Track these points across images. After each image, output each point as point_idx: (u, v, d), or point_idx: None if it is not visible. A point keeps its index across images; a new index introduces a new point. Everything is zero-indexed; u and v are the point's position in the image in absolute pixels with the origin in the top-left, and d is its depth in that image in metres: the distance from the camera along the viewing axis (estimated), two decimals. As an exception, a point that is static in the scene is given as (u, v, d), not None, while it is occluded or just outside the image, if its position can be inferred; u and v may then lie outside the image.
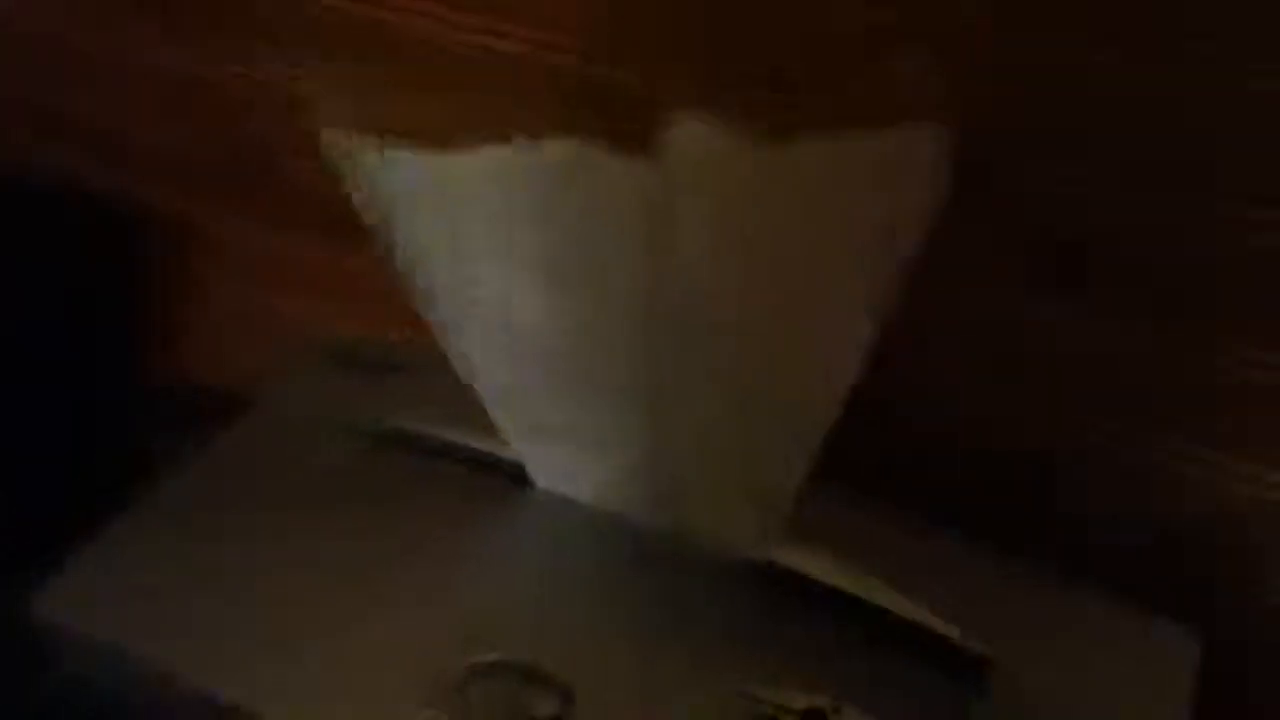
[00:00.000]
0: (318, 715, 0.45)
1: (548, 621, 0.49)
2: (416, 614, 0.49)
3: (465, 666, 0.46)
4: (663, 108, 0.59)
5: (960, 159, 0.39)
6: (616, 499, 0.53)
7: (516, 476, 0.54)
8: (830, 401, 0.45)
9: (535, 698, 0.45)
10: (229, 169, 0.76)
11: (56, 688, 0.52)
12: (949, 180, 0.39)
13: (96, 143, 0.81)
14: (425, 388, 0.56)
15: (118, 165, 0.81)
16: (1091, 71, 0.49)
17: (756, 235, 0.43)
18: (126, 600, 0.50)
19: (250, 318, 0.82)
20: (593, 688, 0.45)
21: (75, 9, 0.76)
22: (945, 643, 0.48)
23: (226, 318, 0.83)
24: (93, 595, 0.50)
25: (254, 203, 0.76)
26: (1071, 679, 0.47)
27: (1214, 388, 0.53)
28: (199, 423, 0.60)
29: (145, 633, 0.48)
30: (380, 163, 0.45)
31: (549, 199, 0.45)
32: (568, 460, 0.53)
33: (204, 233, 0.80)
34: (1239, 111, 0.48)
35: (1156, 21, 0.47)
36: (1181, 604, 0.50)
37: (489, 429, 0.53)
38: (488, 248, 0.47)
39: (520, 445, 0.53)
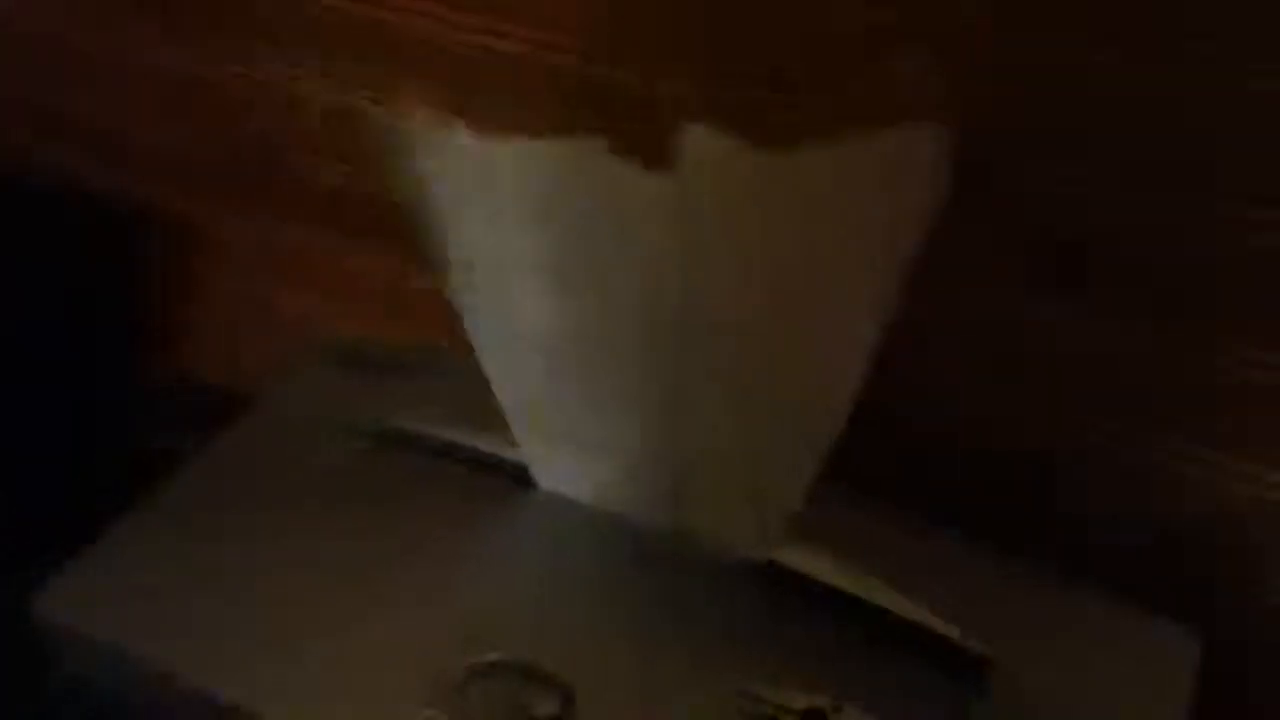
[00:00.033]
0: (318, 715, 0.46)
1: (548, 621, 0.49)
2: (417, 614, 0.49)
3: (466, 666, 0.46)
4: (663, 108, 0.59)
5: (960, 159, 0.39)
6: (618, 499, 0.53)
7: (518, 477, 0.54)
8: (835, 406, 0.45)
9: (535, 697, 0.45)
10: (229, 169, 0.76)
11: (57, 687, 0.52)
12: (949, 180, 0.39)
13: (96, 142, 0.81)
14: (427, 388, 0.57)
15: (118, 165, 0.81)
16: (1091, 71, 0.49)
17: (761, 240, 0.43)
18: (127, 600, 0.50)
19: (250, 317, 0.82)
20: (593, 687, 0.45)
21: (75, 9, 0.76)
22: (945, 643, 0.48)
23: (226, 317, 0.83)
24: (94, 595, 0.50)
25: (254, 202, 0.76)
26: (1071, 679, 0.47)
27: (1214, 388, 0.53)
28: (199, 422, 0.60)
29: (146, 633, 0.48)
30: (431, 145, 0.45)
31: (557, 200, 0.45)
32: (571, 460, 0.53)
33: (204, 232, 0.80)
34: (1239, 111, 0.48)
35: (1156, 21, 0.47)
36: (1181, 604, 0.50)
37: (490, 429, 0.53)
38: (499, 245, 0.47)
39: (525, 444, 0.53)
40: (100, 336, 0.87)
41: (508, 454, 0.54)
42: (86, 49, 0.77)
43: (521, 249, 0.46)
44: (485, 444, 0.54)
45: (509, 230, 0.46)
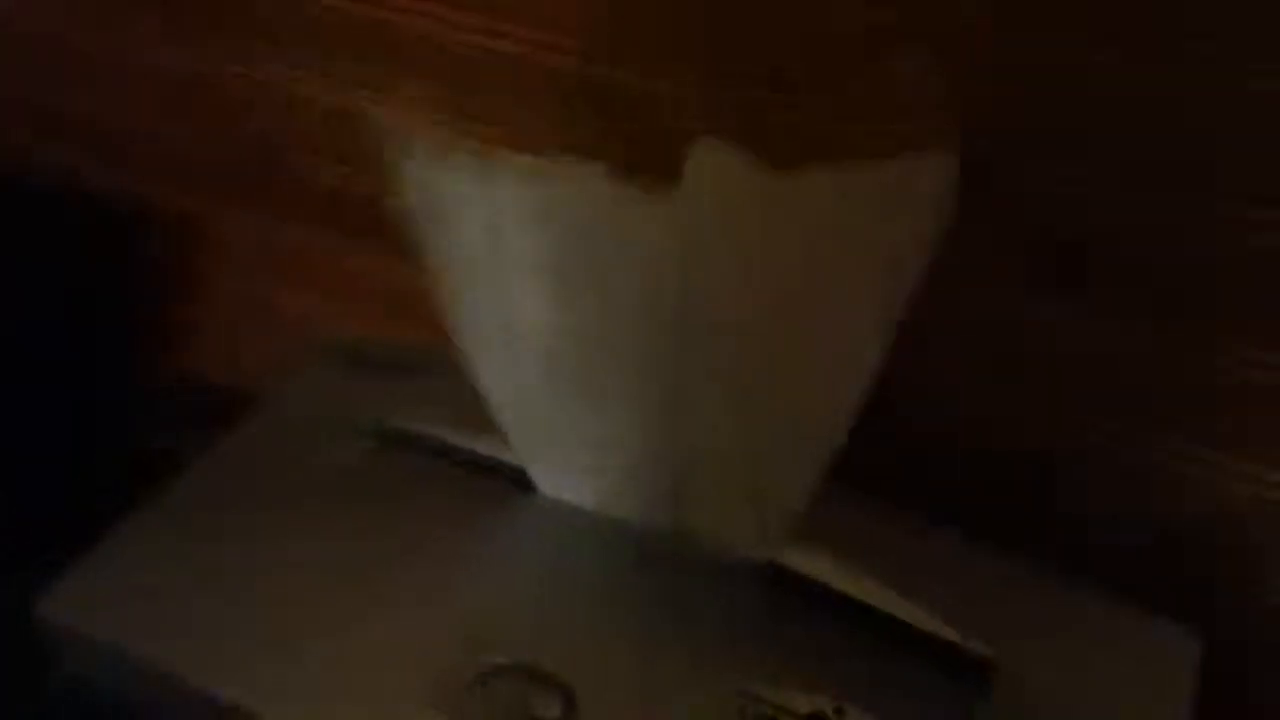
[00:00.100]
0: (319, 716, 0.46)
1: (549, 623, 0.49)
2: (418, 616, 0.49)
3: (467, 668, 0.46)
4: (663, 108, 0.59)
5: (960, 159, 0.39)
6: (618, 500, 0.53)
7: (519, 479, 0.54)
8: (836, 415, 0.46)
9: (537, 700, 0.45)
10: (229, 168, 0.76)
11: (58, 687, 0.52)
12: (953, 203, 0.39)
13: (96, 142, 0.81)
14: (429, 389, 0.57)
15: (118, 164, 0.81)
16: (1091, 71, 0.49)
17: (767, 259, 0.43)
18: (129, 601, 0.50)
19: (250, 316, 0.82)
20: (595, 690, 0.45)
21: (75, 9, 0.76)
22: (946, 644, 0.48)
23: (226, 317, 0.83)
24: (95, 596, 0.50)
25: (254, 202, 0.76)
26: (1072, 679, 0.48)
27: (1214, 388, 0.53)
28: (200, 422, 0.60)
29: (147, 633, 0.48)
30: (434, 165, 0.46)
31: (557, 203, 0.45)
32: (570, 462, 0.53)
33: (204, 232, 0.80)
34: (1239, 111, 0.48)
35: (1156, 21, 0.47)
36: (1181, 604, 0.50)
37: (493, 431, 0.53)
38: (498, 248, 0.47)
39: (522, 448, 0.53)
40: (100, 336, 0.87)
41: (508, 456, 0.54)
42: (86, 49, 0.77)
43: (521, 251, 0.46)
44: (486, 445, 0.54)
45: (508, 232, 0.46)
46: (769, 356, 0.46)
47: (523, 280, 0.47)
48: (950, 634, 0.48)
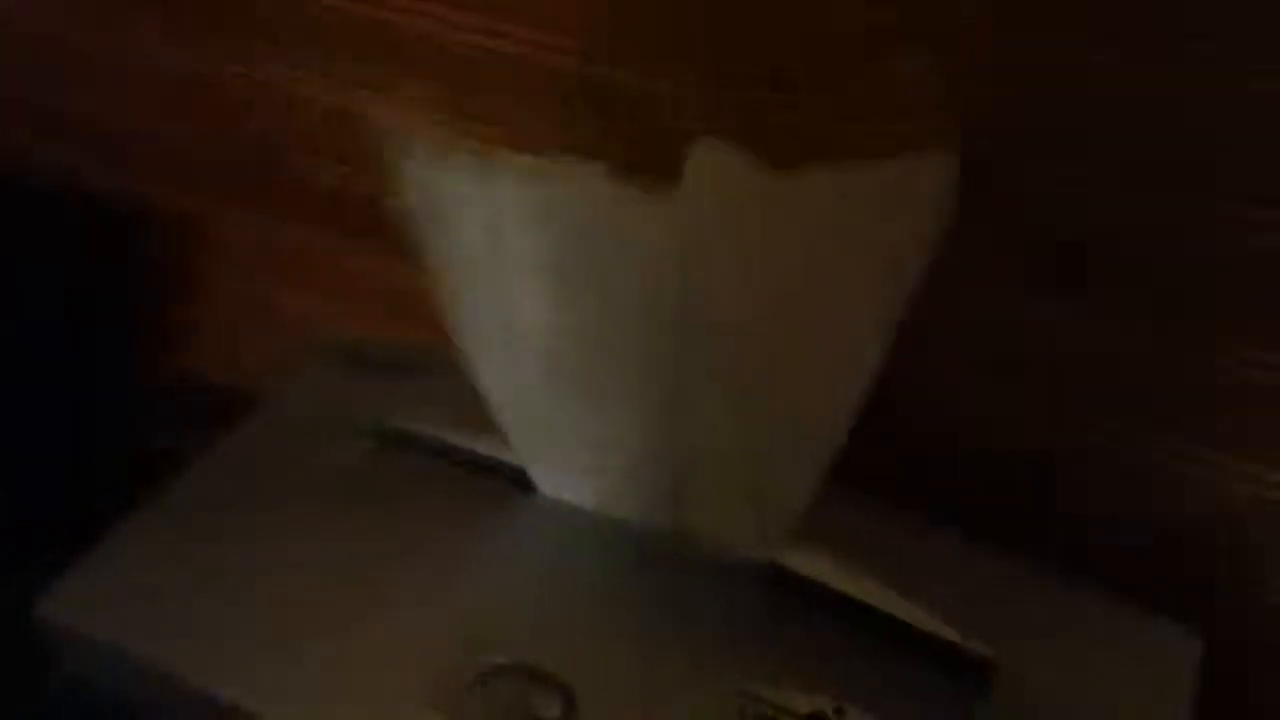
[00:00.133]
0: (319, 717, 0.46)
1: (550, 623, 0.49)
2: (418, 616, 0.49)
3: (468, 669, 0.46)
4: (663, 108, 0.59)
5: (960, 159, 0.39)
6: (618, 500, 0.53)
7: (519, 479, 0.54)
8: (836, 416, 0.46)
9: (537, 700, 0.45)
10: (229, 168, 0.76)
11: (58, 687, 0.52)
12: (953, 203, 0.39)
13: (97, 142, 0.81)
14: (429, 389, 0.57)
15: (118, 164, 0.81)
16: (1091, 71, 0.49)
17: (767, 259, 0.43)
18: (129, 601, 0.50)
19: (250, 316, 0.82)
20: (595, 690, 0.45)
21: (75, 9, 0.76)
22: (946, 644, 0.48)
23: (226, 317, 0.83)
24: (95, 596, 0.50)
25: (254, 202, 0.76)
26: (1072, 679, 0.47)
27: (1214, 388, 0.53)
28: (200, 422, 0.60)
29: (147, 633, 0.48)
30: (434, 165, 0.46)
31: (557, 203, 0.45)
32: (570, 462, 0.53)
33: (204, 232, 0.80)
34: (1239, 111, 0.48)
35: (1156, 21, 0.47)
36: (1181, 604, 0.50)
37: (493, 431, 0.53)
38: (498, 248, 0.47)
39: (522, 448, 0.53)
40: (100, 336, 0.87)
41: (508, 456, 0.54)
42: (86, 49, 0.77)
43: (521, 251, 0.46)
44: (486, 445, 0.54)
45: (508, 232, 0.46)
46: (769, 357, 0.46)
47: (523, 280, 0.47)
48: (950, 634, 0.48)
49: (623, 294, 0.46)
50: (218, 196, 0.78)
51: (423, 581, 0.50)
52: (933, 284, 0.42)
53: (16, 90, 0.82)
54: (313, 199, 0.73)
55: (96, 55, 0.77)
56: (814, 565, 0.50)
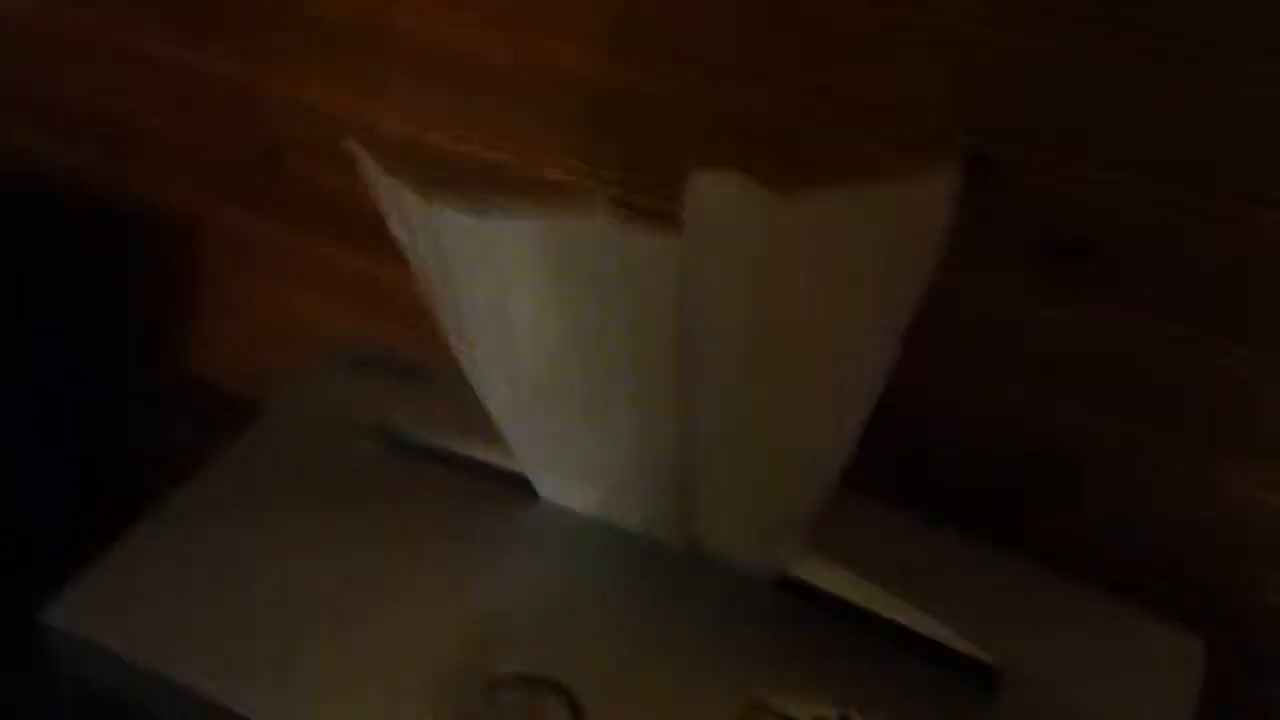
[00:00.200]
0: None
1: (556, 631, 0.49)
2: (424, 623, 0.49)
3: (473, 676, 0.46)
4: (663, 107, 0.59)
5: (961, 160, 0.39)
6: (623, 510, 0.53)
7: (524, 485, 0.54)
8: (842, 434, 0.46)
9: (545, 708, 0.45)
10: (231, 169, 0.76)
11: (60, 691, 0.52)
12: (955, 208, 0.39)
13: (99, 142, 0.81)
14: (438, 395, 0.56)
15: (120, 164, 0.81)
16: (1091, 71, 0.49)
17: (771, 282, 0.44)
18: (135, 608, 0.50)
19: (250, 317, 0.82)
20: (601, 698, 0.45)
21: (77, 9, 0.76)
22: (952, 650, 0.48)
23: (227, 317, 0.83)
24: (102, 604, 0.50)
25: (255, 203, 0.76)
26: (1075, 681, 0.47)
27: (1214, 388, 0.53)
28: (200, 422, 0.60)
29: (152, 640, 0.48)
30: (429, 214, 0.45)
31: (564, 247, 0.45)
32: (575, 475, 0.53)
33: (205, 233, 0.80)
34: (1239, 111, 0.48)
35: (1156, 21, 0.47)
36: (1182, 604, 0.50)
37: (497, 438, 0.53)
38: (509, 290, 0.47)
39: (526, 460, 0.53)
40: (100, 336, 0.87)
41: (511, 463, 0.54)
42: (88, 49, 0.77)
43: (521, 282, 0.46)
44: (490, 452, 0.54)
45: (509, 264, 0.46)
46: (773, 375, 0.46)
47: (522, 303, 0.47)
48: (953, 639, 0.48)
49: (624, 316, 0.46)
50: (219, 197, 0.78)
51: (427, 588, 0.50)
52: (933, 284, 0.42)
53: (20, 89, 0.82)
54: (313, 200, 0.73)
55: (97, 55, 0.77)
56: (818, 572, 0.50)
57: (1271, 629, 0.57)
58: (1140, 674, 0.48)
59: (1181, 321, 0.53)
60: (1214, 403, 0.54)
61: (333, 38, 0.67)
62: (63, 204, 0.83)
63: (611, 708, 0.45)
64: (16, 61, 0.81)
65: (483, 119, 0.64)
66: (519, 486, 0.54)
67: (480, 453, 0.55)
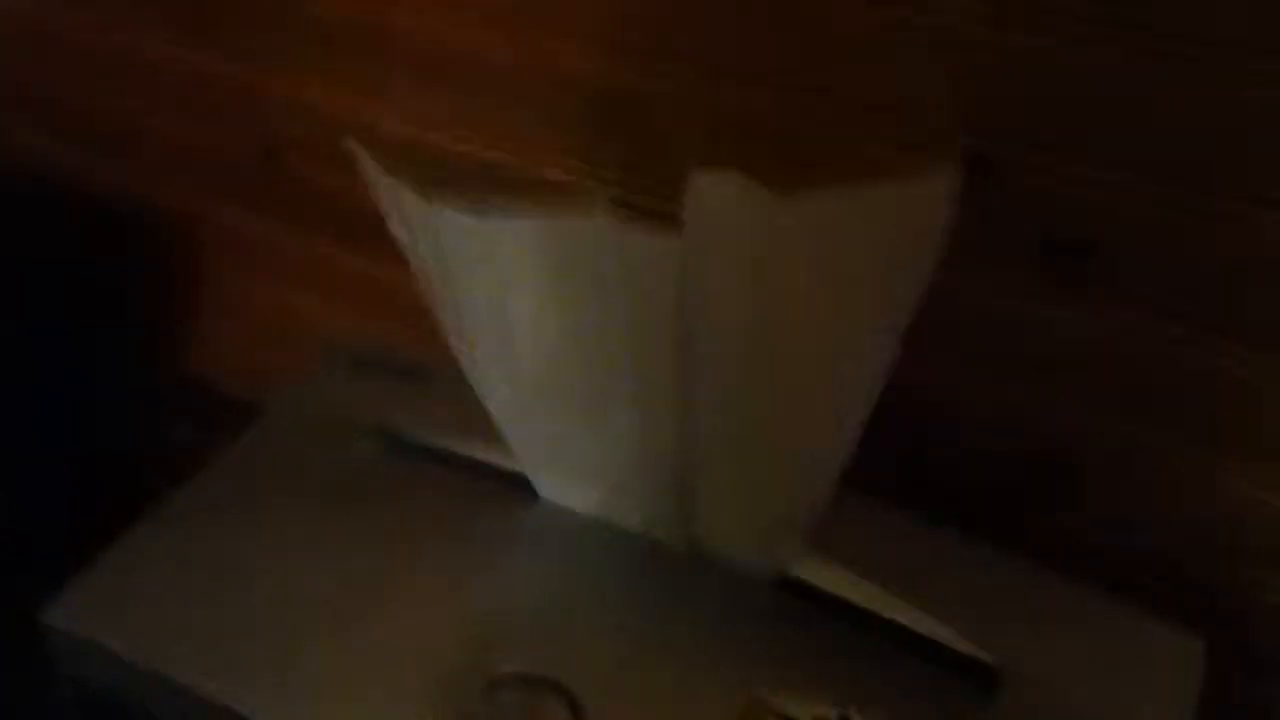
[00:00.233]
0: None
1: (556, 631, 0.49)
2: (424, 623, 0.49)
3: (474, 676, 0.46)
4: (663, 107, 0.59)
5: (961, 160, 0.39)
6: (623, 510, 0.53)
7: (524, 485, 0.54)
8: (842, 434, 0.46)
9: (545, 708, 0.45)
10: (230, 169, 0.76)
11: (60, 691, 0.52)
12: (954, 209, 0.39)
13: (99, 142, 0.81)
14: (438, 395, 0.56)
15: (119, 164, 0.81)
16: (1091, 71, 0.49)
17: (771, 283, 0.44)
18: (134, 608, 0.50)
19: (250, 317, 0.82)
20: (601, 698, 0.45)
21: (77, 9, 0.76)
22: (951, 650, 0.48)
23: (227, 317, 0.83)
24: (102, 604, 0.50)
25: (255, 203, 0.76)
26: (1076, 681, 0.47)
27: (1214, 388, 0.53)
28: (200, 422, 0.60)
29: (152, 640, 0.49)
30: (429, 214, 0.45)
31: (564, 247, 0.45)
32: (575, 475, 0.53)
33: (205, 233, 0.80)
34: (1239, 111, 0.48)
35: (1156, 21, 0.47)
36: (1182, 604, 0.50)
37: (497, 438, 0.53)
38: (509, 290, 0.47)
39: (526, 460, 0.53)
40: (100, 336, 0.87)
41: (511, 462, 0.54)
42: (88, 49, 0.77)
43: (521, 282, 0.46)
44: (490, 452, 0.54)
45: (509, 266, 0.46)
46: (773, 376, 0.46)
47: (522, 304, 0.47)
48: (954, 639, 0.48)
49: (624, 316, 0.46)
50: (219, 197, 0.78)
51: (427, 588, 0.50)
52: (933, 284, 0.42)
53: (21, 90, 0.82)
54: (313, 200, 0.73)
55: (98, 55, 0.77)
56: (818, 572, 0.50)
57: (1271, 629, 0.57)
58: (1140, 674, 0.48)
59: (1181, 321, 0.53)
60: (1214, 403, 0.54)
61: (333, 38, 0.67)
62: (63, 204, 0.83)
63: (611, 708, 0.45)
64: (16, 61, 0.81)
65: (483, 119, 0.64)
66: (519, 486, 0.54)
67: (480, 453, 0.55)
